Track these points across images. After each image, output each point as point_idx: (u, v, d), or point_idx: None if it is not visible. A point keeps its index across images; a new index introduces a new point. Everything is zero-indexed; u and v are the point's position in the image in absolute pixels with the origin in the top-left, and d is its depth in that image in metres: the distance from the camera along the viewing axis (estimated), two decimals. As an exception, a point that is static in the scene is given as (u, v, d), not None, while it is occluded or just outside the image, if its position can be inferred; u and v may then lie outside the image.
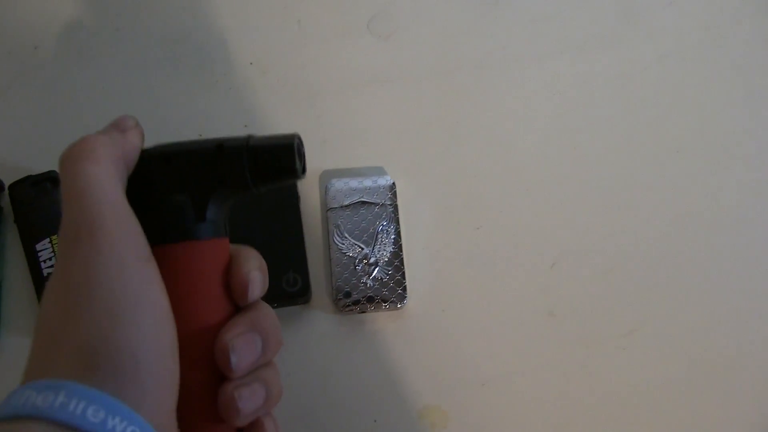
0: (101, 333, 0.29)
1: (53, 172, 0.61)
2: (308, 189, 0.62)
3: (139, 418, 0.28)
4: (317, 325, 0.59)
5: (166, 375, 0.31)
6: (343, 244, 0.59)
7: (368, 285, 0.58)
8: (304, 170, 0.36)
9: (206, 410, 0.35)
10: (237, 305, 0.36)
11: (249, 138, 0.35)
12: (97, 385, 0.28)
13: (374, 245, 0.59)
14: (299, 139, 0.36)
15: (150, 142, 0.63)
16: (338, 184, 0.61)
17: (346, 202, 0.60)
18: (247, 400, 0.34)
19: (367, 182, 0.61)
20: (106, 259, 0.30)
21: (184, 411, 0.33)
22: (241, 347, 0.34)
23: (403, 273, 0.58)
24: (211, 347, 0.34)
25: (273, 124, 0.64)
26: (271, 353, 0.36)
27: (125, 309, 0.30)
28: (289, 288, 0.58)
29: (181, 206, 0.34)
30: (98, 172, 0.31)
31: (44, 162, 0.61)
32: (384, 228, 0.59)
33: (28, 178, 0.60)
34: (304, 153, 0.37)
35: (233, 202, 0.37)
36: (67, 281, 0.30)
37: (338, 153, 0.63)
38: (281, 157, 0.35)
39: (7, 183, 0.60)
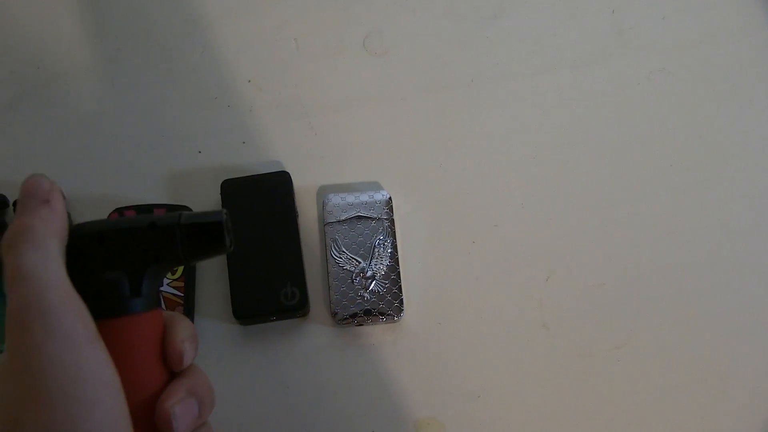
0: (65, 416, 0.30)
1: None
2: (306, 204, 0.63)
3: None
4: (315, 338, 0.60)
5: None
6: (341, 258, 0.60)
7: (365, 298, 0.59)
8: (231, 243, 0.38)
9: None
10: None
11: (180, 215, 0.37)
12: None
13: (371, 259, 0.60)
14: (227, 214, 0.38)
15: (149, 158, 0.64)
16: (335, 199, 0.62)
17: (343, 217, 0.61)
18: None
19: (364, 197, 0.62)
20: (59, 343, 0.30)
21: None
22: (181, 413, 0.35)
23: (400, 286, 0.59)
24: (150, 414, 0.35)
25: (270, 140, 0.65)
26: (206, 414, 0.38)
27: (85, 390, 0.30)
28: (288, 301, 0.58)
29: (117, 283, 0.35)
30: (39, 256, 0.32)
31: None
32: (381, 242, 0.60)
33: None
34: (231, 227, 0.38)
35: (166, 274, 0.38)
36: (21, 366, 0.30)
37: (335, 168, 0.64)
38: (212, 234, 0.37)
39: (11, 199, 0.61)
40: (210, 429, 0.39)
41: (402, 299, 0.59)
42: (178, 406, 0.35)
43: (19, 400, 0.30)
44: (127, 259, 0.36)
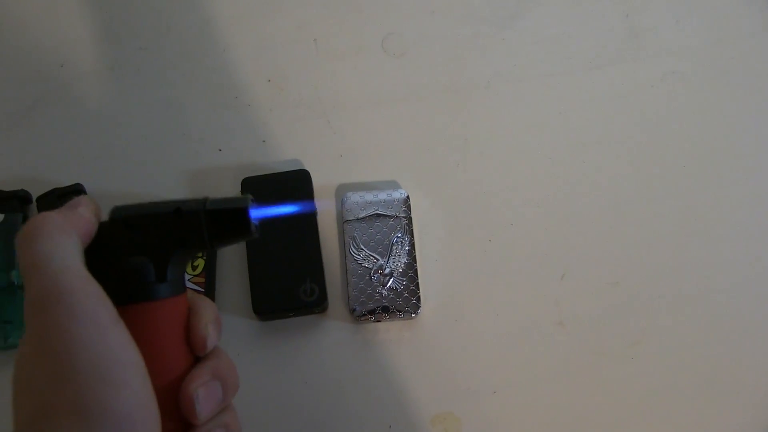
0: (95, 397, 0.30)
1: (78, 185, 0.63)
2: (325, 202, 0.64)
3: None
4: (333, 334, 0.61)
5: (156, 430, 0.32)
6: (359, 255, 0.61)
7: (383, 295, 0.60)
8: (257, 230, 0.38)
9: None
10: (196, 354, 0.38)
11: (205, 201, 0.37)
12: None
13: (389, 256, 0.61)
14: (253, 200, 0.38)
15: (170, 156, 0.65)
16: (354, 197, 0.62)
17: (362, 215, 0.62)
18: None
19: (382, 195, 0.63)
20: (82, 324, 0.31)
21: None
22: (204, 396, 0.36)
23: (417, 283, 0.60)
24: (174, 398, 0.36)
25: (290, 139, 0.66)
26: (230, 397, 0.38)
27: (112, 371, 0.31)
28: (307, 297, 0.59)
29: (143, 268, 0.36)
30: (54, 245, 0.32)
31: (70, 175, 0.63)
32: (398, 240, 0.61)
33: (55, 190, 0.62)
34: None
35: (192, 259, 0.37)
36: (46, 348, 0.31)
37: (353, 167, 0.65)
38: (237, 220, 0.37)
39: (34, 196, 0.62)
40: (233, 412, 0.39)
41: (419, 296, 0.60)
42: (202, 389, 0.36)
43: (47, 383, 0.30)
44: (153, 244, 0.36)
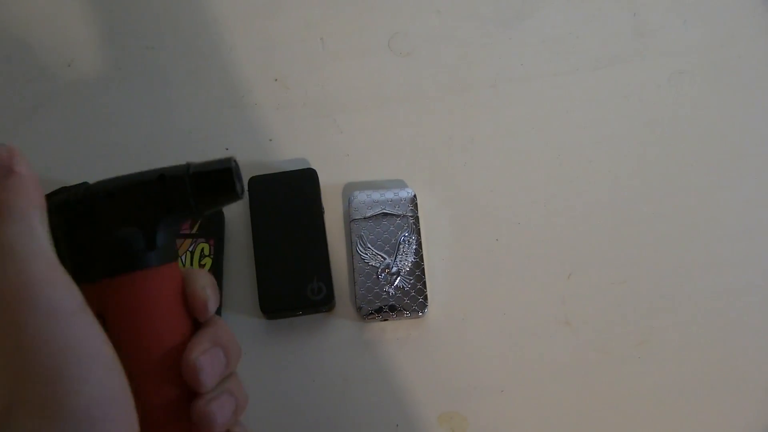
0: (53, 396, 0.29)
1: (85, 183, 0.62)
2: (332, 201, 0.64)
3: None
4: (340, 333, 0.61)
5: (124, 424, 0.31)
6: (366, 254, 0.61)
7: (390, 294, 0.60)
8: (242, 190, 0.38)
9: (180, 428, 0.36)
10: (194, 322, 0.38)
11: (188, 166, 0.37)
12: None
13: (396, 255, 0.61)
14: (235, 161, 0.37)
15: (176, 155, 0.65)
16: (361, 196, 0.63)
17: (369, 214, 0.62)
18: (218, 413, 0.36)
19: (389, 194, 0.63)
20: (43, 316, 0.30)
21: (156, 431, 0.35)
22: (207, 363, 0.35)
23: (424, 282, 0.60)
24: (177, 367, 0.35)
25: (297, 138, 0.66)
26: (233, 364, 0.38)
27: (71, 367, 0.30)
28: (314, 296, 0.59)
29: (131, 238, 0.35)
30: (19, 229, 0.31)
31: (76, 174, 0.63)
32: (405, 239, 0.61)
33: (61, 189, 0.62)
34: (240, 174, 0.38)
35: (180, 225, 0.37)
36: (7, 345, 0.30)
37: (360, 166, 0.65)
38: (222, 182, 0.36)
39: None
40: (238, 379, 0.39)
41: (426, 295, 0.60)
42: (204, 356, 0.35)
43: (10, 381, 0.30)
44: (139, 213, 0.36)
